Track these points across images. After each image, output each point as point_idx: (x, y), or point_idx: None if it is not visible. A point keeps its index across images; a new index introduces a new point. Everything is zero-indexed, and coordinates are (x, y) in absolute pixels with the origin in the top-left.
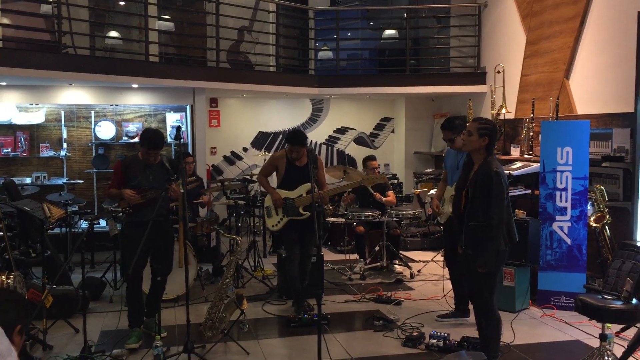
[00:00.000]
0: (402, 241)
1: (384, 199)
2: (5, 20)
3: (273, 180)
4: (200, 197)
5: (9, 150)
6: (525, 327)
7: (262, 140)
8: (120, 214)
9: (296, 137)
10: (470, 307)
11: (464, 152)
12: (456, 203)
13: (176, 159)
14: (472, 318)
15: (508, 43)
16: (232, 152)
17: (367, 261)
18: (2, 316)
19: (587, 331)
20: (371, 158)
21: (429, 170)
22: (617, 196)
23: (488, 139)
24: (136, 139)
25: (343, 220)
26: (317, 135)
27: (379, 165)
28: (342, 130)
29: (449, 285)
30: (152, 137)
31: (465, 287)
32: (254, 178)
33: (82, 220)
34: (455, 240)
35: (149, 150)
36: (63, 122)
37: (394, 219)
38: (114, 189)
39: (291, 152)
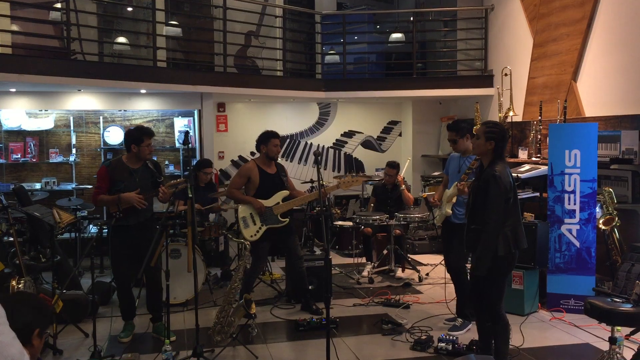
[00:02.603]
0: (407, 243)
1: (410, 196)
2: (15, 27)
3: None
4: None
5: (19, 156)
6: (534, 330)
7: None
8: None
9: (272, 132)
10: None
11: (468, 156)
12: (468, 204)
13: (194, 169)
14: None
15: (515, 46)
16: (240, 157)
17: (375, 264)
18: (19, 320)
19: (596, 334)
20: (389, 165)
21: (436, 174)
22: (626, 198)
23: (494, 142)
24: None
25: (351, 223)
26: (324, 139)
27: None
28: (350, 134)
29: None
30: (142, 127)
31: (467, 291)
32: None
33: (91, 225)
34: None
35: (150, 139)
36: (72, 128)
37: (402, 222)
38: (104, 195)
39: (275, 147)
